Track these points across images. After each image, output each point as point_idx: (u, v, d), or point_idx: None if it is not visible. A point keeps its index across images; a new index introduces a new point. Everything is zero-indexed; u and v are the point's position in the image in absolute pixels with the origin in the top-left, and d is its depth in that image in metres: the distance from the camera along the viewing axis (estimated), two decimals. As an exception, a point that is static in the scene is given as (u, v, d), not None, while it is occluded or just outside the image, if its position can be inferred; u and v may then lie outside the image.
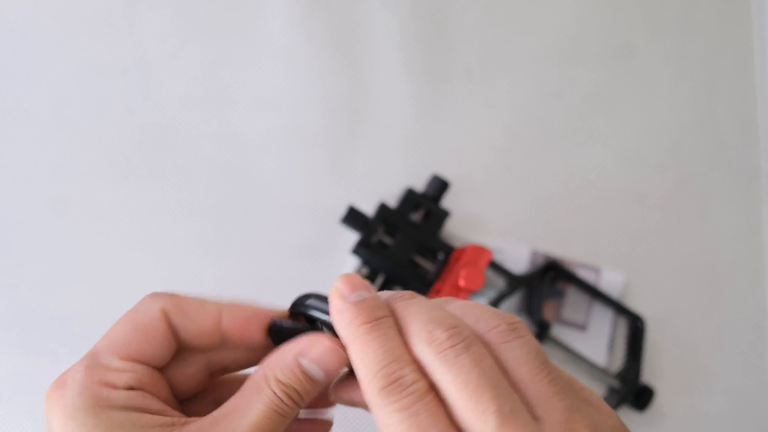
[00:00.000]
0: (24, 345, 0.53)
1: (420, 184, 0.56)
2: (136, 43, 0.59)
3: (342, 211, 0.53)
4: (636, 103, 0.62)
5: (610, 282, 0.57)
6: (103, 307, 0.55)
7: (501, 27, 0.62)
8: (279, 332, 0.30)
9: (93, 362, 0.27)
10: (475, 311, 0.26)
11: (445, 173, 0.57)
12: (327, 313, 0.27)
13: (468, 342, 0.24)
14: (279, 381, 0.27)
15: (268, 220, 0.57)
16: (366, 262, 0.52)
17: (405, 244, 0.51)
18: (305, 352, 0.27)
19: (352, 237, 0.55)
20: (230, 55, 0.59)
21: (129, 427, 0.25)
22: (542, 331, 0.54)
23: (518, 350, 0.24)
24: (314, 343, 0.27)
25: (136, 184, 0.56)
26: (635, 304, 0.57)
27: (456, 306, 0.26)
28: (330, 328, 0.27)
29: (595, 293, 0.56)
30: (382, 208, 0.52)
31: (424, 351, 0.24)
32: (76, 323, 0.54)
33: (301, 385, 0.27)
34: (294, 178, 0.58)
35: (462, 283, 0.49)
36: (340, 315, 0.26)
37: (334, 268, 0.56)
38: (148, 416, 0.26)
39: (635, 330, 0.56)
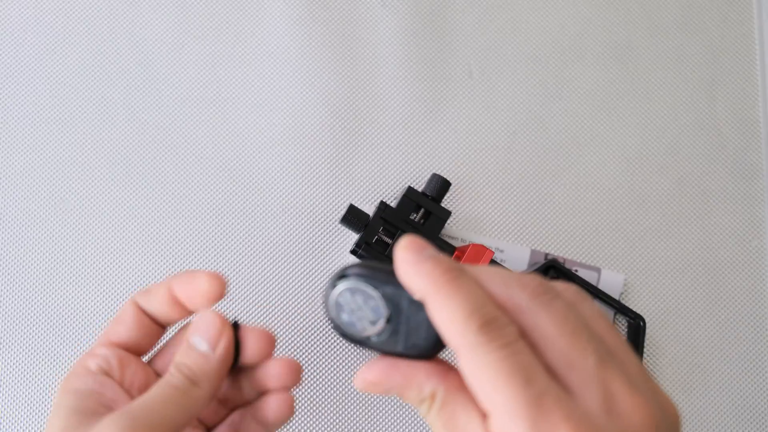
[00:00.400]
0: (24, 345, 0.53)
1: (420, 184, 0.56)
2: (136, 43, 0.59)
3: (342, 211, 0.53)
4: (636, 103, 0.62)
5: (610, 282, 0.57)
6: (102, 307, 0.55)
7: (501, 27, 0.62)
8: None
9: (90, 350, 0.33)
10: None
11: (445, 173, 0.57)
12: (376, 279, 0.25)
13: (555, 290, 0.24)
14: (174, 361, 0.31)
15: (268, 220, 0.57)
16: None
17: (405, 244, 0.51)
18: (190, 327, 0.31)
19: (352, 237, 0.55)
20: (230, 55, 0.59)
21: (71, 408, 0.30)
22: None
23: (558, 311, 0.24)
24: (197, 316, 0.31)
25: (136, 184, 0.56)
26: (635, 304, 0.57)
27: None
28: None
29: (595, 293, 0.56)
30: (382, 208, 0.52)
31: (519, 295, 0.24)
32: (76, 323, 0.54)
33: (190, 359, 0.30)
34: (294, 178, 0.58)
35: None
36: (417, 267, 0.25)
37: (333, 268, 0.56)
38: (91, 402, 0.30)
39: (635, 330, 0.56)
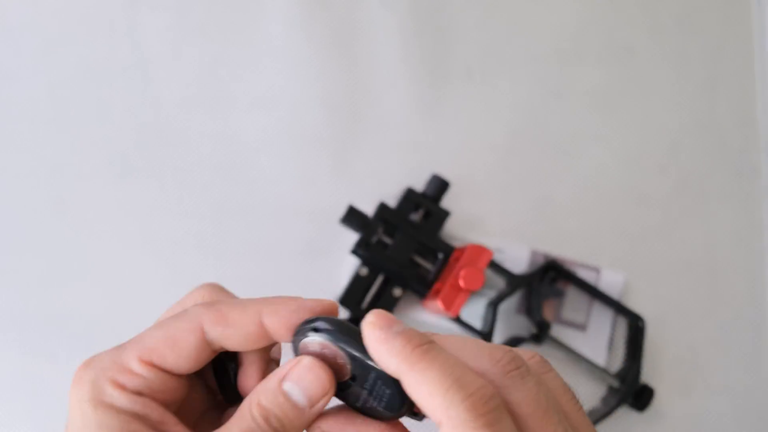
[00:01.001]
0: (24, 345, 0.53)
1: (420, 184, 0.56)
2: (136, 43, 0.59)
3: (342, 211, 0.53)
4: (636, 103, 0.62)
5: (610, 282, 0.57)
6: (102, 307, 0.55)
7: (501, 27, 0.62)
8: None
9: (116, 357, 0.27)
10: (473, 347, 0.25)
11: (445, 173, 0.57)
12: (351, 345, 0.26)
13: (525, 364, 0.24)
14: (260, 405, 0.26)
15: (268, 220, 0.57)
16: (366, 262, 0.52)
17: (405, 244, 0.51)
18: (288, 374, 0.26)
19: (352, 237, 0.55)
20: (230, 55, 0.59)
21: (118, 430, 0.25)
22: (542, 331, 0.54)
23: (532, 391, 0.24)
24: (296, 363, 0.26)
25: (136, 184, 0.56)
26: (635, 304, 0.57)
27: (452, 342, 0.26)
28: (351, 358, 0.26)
29: (595, 293, 0.56)
30: (382, 208, 0.52)
31: (491, 370, 0.24)
32: (76, 323, 0.54)
33: (282, 411, 0.26)
34: (294, 178, 0.58)
35: (462, 283, 0.49)
36: (387, 345, 0.24)
37: (333, 268, 0.56)
38: (135, 425, 0.26)
39: (635, 330, 0.56)
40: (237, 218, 0.57)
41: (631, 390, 0.54)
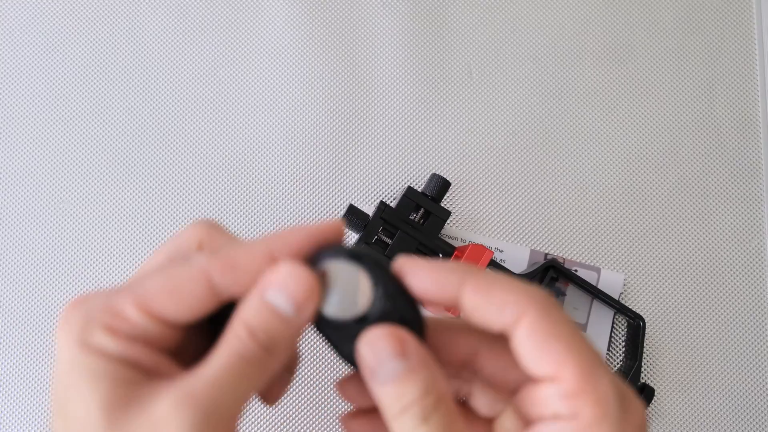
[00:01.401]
0: (24, 345, 0.53)
1: (420, 184, 0.56)
2: (136, 43, 0.59)
3: (342, 211, 0.53)
4: (636, 103, 0.62)
5: (610, 282, 0.57)
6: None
7: (501, 27, 0.62)
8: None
9: (110, 300, 0.25)
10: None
11: (445, 173, 0.57)
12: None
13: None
14: (244, 322, 0.24)
15: (268, 220, 0.57)
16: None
17: (405, 243, 0.51)
18: (268, 283, 0.24)
19: (351, 237, 0.55)
20: (230, 55, 0.59)
21: (104, 375, 0.24)
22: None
23: None
24: (275, 271, 0.24)
25: (136, 184, 0.56)
26: (635, 304, 0.57)
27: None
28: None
29: (595, 293, 0.56)
30: (382, 208, 0.52)
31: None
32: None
33: (268, 323, 0.24)
34: (294, 178, 0.58)
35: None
36: (442, 267, 0.25)
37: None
38: (129, 371, 0.24)
39: (635, 330, 0.56)
40: (237, 218, 0.57)
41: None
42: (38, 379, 0.53)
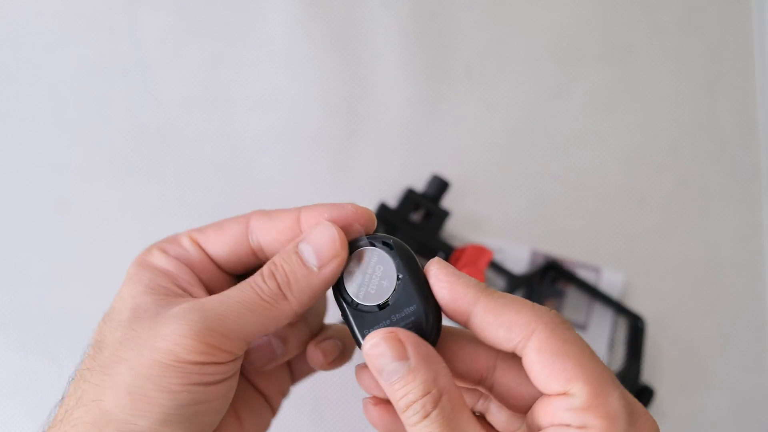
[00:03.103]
0: (24, 345, 0.53)
1: (420, 184, 0.56)
2: (136, 43, 0.59)
3: (342, 211, 0.53)
4: (636, 103, 0.62)
5: (610, 282, 0.57)
6: (103, 307, 0.54)
7: (501, 27, 0.62)
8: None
9: (174, 234, 0.32)
10: None
11: (445, 173, 0.57)
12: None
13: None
14: (273, 262, 0.27)
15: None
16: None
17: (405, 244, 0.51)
18: (305, 236, 0.27)
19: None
20: (230, 55, 0.59)
21: (144, 282, 0.29)
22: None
23: None
24: (315, 225, 0.27)
25: (136, 184, 0.56)
26: (635, 304, 0.57)
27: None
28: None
29: (595, 293, 0.56)
30: (382, 208, 0.52)
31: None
32: (76, 323, 0.54)
33: (290, 267, 0.27)
34: (294, 178, 0.58)
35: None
36: (462, 278, 0.26)
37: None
38: (165, 282, 0.29)
39: (635, 330, 0.56)
40: (237, 218, 0.57)
41: (632, 390, 0.54)
42: (38, 379, 0.53)
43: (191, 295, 0.28)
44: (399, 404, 0.25)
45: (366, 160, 0.58)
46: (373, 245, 0.27)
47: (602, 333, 0.57)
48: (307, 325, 0.32)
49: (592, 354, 0.24)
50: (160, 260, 0.30)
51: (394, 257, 0.26)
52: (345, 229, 0.28)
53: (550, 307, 0.58)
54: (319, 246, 0.27)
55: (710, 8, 0.64)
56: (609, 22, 0.63)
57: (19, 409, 0.52)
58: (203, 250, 0.30)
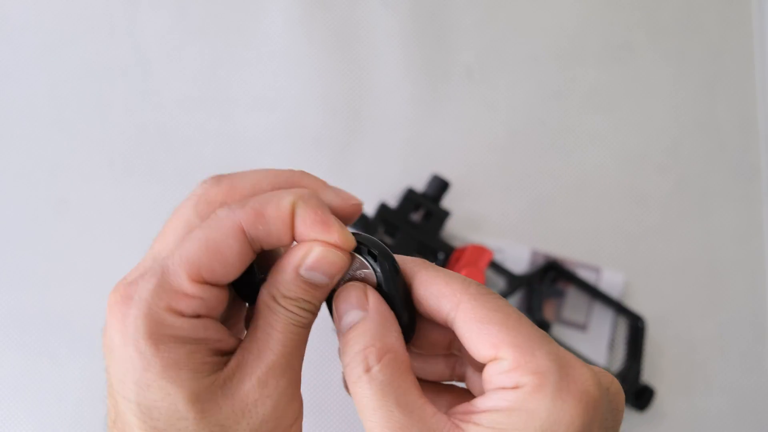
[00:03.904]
0: (24, 345, 0.53)
1: (420, 184, 0.56)
2: (136, 43, 0.59)
3: (342, 211, 0.53)
4: (636, 103, 0.62)
5: (610, 282, 0.57)
6: (103, 307, 0.54)
7: (501, 27, 0.62)
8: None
9: (163, 280, 0.25)
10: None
11: (445, 173, 0.57)
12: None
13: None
14: (286, 297, 0.26)
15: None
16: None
17: (405, 244, 0.51)
18: (302, 262, 0.26)
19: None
20: (230, 55, 0.59)
21: (184, 364, 0.24)
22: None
23: None
24: (308, 251, 0.26)
25: (136, 184, 0.56)
26: (635, 304, 0.57)
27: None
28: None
29: (595, 293, 0.56)
30: (382, 208, 0.52)
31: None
32: (76, 323, 0.54)
33: (308, 294, 0.27)
34: (294, 178, 0.58)
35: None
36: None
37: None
38: (203, 354, 0.25)
39: (635, 330, 0.56)
40: (237, 218, 0.57)
41: (632, 390, 0.54)
42: (38, 379, 0.53)
43: (226, 349, 0.26)
44: (345, 357, 0.26)
45: (366, 160, 0.58)
46: (359, 253, 0.28)
47: (602, 333, 0.57)
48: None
49: (519, 318, 0.25)
50: (183, 329, 0.24)
51: (375, 269, 0.27)
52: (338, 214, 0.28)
53: (550, 307, 0.58)
54: (324, 269, 0.26)
55: (710, 8, 0.64)
56: (609, 22, 0.63)
57: (19, 409, 0.52)
58: (212, 285, 0.25)
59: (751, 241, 0.60)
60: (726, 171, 0.61)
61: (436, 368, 0.30)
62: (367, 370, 0.25)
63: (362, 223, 0.52)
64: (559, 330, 0.57)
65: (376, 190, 0.57)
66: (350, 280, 0.28)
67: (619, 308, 0.56)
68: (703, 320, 0.58)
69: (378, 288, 0.27)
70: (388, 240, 0.53)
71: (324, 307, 0.29)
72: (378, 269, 0.27)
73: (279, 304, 0.26)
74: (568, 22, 0.62)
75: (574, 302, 0.57)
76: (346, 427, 0.54)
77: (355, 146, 0.59)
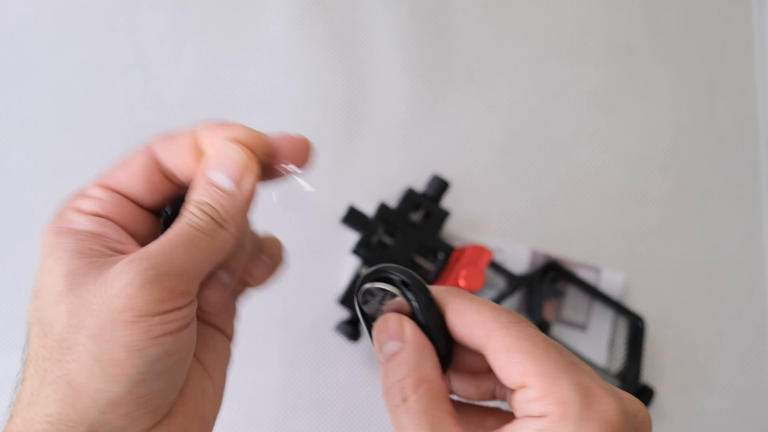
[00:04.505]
0: (24, 345, 0.53)
1: (420, 184, 0.56)
2: (136, 43, 0.59)
3: (342, 211, 0.53)
4: (636, 103, 0.62)
5: (610, 282, 0.57)
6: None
7: (501, 27, 0.62)
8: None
9: (78, 191, 0.29)
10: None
11: (445, 173, 0.57)
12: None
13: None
14: (194, 201, 0.27)
15: (268, 220, 0.57)
16: (366, 262, 0.52)
17: (405, 244, 0.51)
18: (208, 164, 0.27)
19: (352, 237, 0.55)
20: (230, 55, 0.59)
21: (72, 248, 0.26)
22: (542, 331, 0.54)
23: None
24: (215, 151, 0.27)
25: (136, 184, 0.56)
26: (635, 304, 0.57)
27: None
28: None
29: (595, 293, 0.56)
30: (382, 208, 0.52)
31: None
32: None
33: (213, 198, 0.27)
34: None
35: (462, 283, 0.49)
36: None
37: (333, 268, 0.56)
38: (96, 245, 0.27)
39: (635, 330, 0.56)
40: (237, 218, 0.57)
41: (632, 390, 0.54)
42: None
43: (124, 253, 0.27)
44: (384, 384, 0.26)
45: (366, 160, 0.58)
46: (393, 284, 0.28)
47: (602, 333, 0.57)
48: (242, 247, 0.31)
49: (547, 346, 0.26)
50: (79, 222, 0.28)
51: (410, 300, 0.28)
52: (247, 144, 0.28)
53: (550, 307, 0.58)
54: (225, 166, 0.27)
55: (710, 8, 0.64)
56: (609, 22, 0.63)
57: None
58: (119, 192, 0.29)
59: (751, 241, 0.60)
60: (726, 171, 0.61)
61: (482, 386, 0.30)
62: (405, 400, 0.26)
63: (362, 223, 0.52)
64: (559, 330, 0.57)
65: (376, 190, 0.57)
66: (387, 310, 0.28)
67: (619, 308, 0.56)
68: (703, 320, 0.58)
69: (413, 317, 0.28)
70: (388, 240, 0.53)
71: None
72: (413, 300, 0.28)
73: (185, 208, 0.27)
74: (568, 22, 0.62)
75: (574, 302, 0.57)
76: (346, 427, 0.54)
77: (355, 146, 0.59)
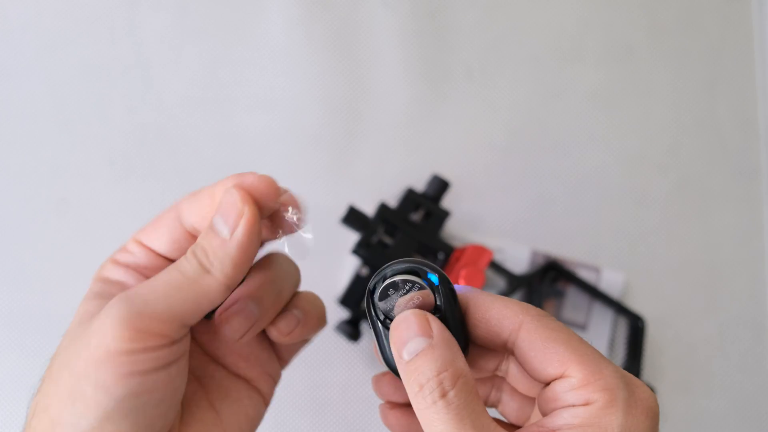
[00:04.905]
0: (24, 345, 0.53)
1: (420, 184, 0.56)
2: (136, 43, 0.59)
3: (342, 211, 0.53)
4: (636, 103, 0.62)
5: (610, 282, 0.57)
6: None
7: (501, 27, 0.62)
8: None
9: (120, 247, 0.33)
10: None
11: (445, 173, 0.57)
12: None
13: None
14: (196, 243, 0.28)
15: (268, 220, 0.57)
16: (366, 262, 0.52)
17: (405, 244, 0.51)
18: (215, 210, 0.28)
19: (352, 237, 0.55)
20: (230, 55, 0.59)
21: (96, 295, 0.30)
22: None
23: None
24: (221, 199, 0.28)
25: (136, 184, 0.56)
26: (635, 304, 0.57)
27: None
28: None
29: (595, 293, 0.56)
30: (382, 208, 0.52)
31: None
32: (76, 323, 0.54)
33: (206, 241, 0.27)
34: (294, 178, 0.58)
35: (462, 283, 0.49)
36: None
37: (333, 268, 0.56)
38: (114, 289, 0.30)
39: (635, 330, 0.56)
40: (237, 218, 0.57)
41: (631, 390, 0.54)
42: (36, 381, 0.53)
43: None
44: (414, 383, 0.25)
45: (366, 160, 0.58)
46: (417, 274, 0.28)
47: (602, 333, 0.57)
48: (260, 299, 0.32)
49: (580, 338, 0.26)
50: (111, 272, 0.31)
51: (436, 294, 0.27)
52: (255, 195, 0.28)
53: (550, 307, 0.58)
54: (224, 212, 0.27)
55: (710, 8, 0.64)
56: (609, 22, 0.63)
57: (19, 410, 0.52)
58: (149, 248, 0.31)
59: (751, 241, 0.60)
60: (726, 171, 0.61)
61: (480, 390, 0.30)
62: (443, 395, 0.25)
63: (362, 223, 0.52)
64: (559, 330, 0.57)
65: (376, 190, 0.57)
66: (404, 306, 0.27)
67: (619, 308, 0.56)
68: (703, 320, 0.58)
69: (434, 313, 0.27)
70: (388, 240, 0.53)
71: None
72: (441, 294, 0.27)
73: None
74: (568, 22, 0.62)
75: (574, 302, 0.57)
76: (346, 427, 0.54)
77: (355, 146, 0.59)
